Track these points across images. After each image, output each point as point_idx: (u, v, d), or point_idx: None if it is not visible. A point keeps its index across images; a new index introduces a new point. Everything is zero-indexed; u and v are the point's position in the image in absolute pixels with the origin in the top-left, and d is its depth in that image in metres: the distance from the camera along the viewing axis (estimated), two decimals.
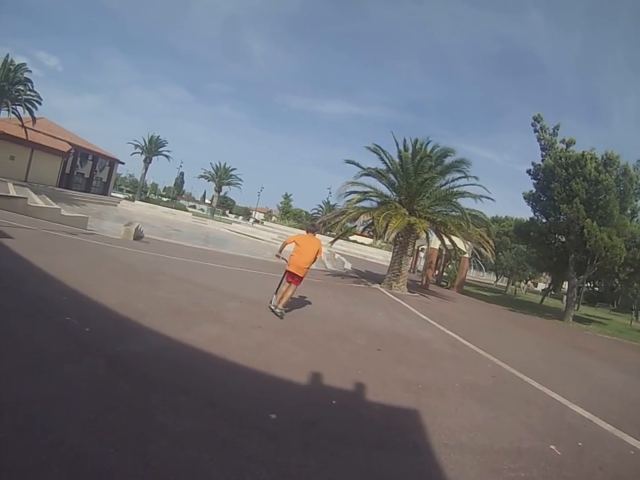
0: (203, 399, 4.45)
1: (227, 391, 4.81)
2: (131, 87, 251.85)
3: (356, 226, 21.44)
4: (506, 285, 55.17)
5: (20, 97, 35.87)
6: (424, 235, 19.94)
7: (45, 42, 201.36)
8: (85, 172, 58.48)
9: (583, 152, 22.24)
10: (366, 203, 20.85)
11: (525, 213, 63.82)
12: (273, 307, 9.24)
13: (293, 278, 9.38)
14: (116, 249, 14.20)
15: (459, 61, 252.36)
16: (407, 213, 18.87)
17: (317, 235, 9.97)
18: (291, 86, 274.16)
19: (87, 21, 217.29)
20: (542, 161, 24.58)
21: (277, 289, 9.44)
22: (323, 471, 3.53)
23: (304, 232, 10.22)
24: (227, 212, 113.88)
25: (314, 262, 9.67)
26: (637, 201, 23.22)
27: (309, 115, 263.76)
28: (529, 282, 61.76)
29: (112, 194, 67.81)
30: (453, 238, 21.17)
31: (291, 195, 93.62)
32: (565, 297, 31.13)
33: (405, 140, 20.90)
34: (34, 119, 38.09)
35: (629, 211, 23.13)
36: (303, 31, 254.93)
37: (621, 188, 22.35)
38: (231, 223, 63.34)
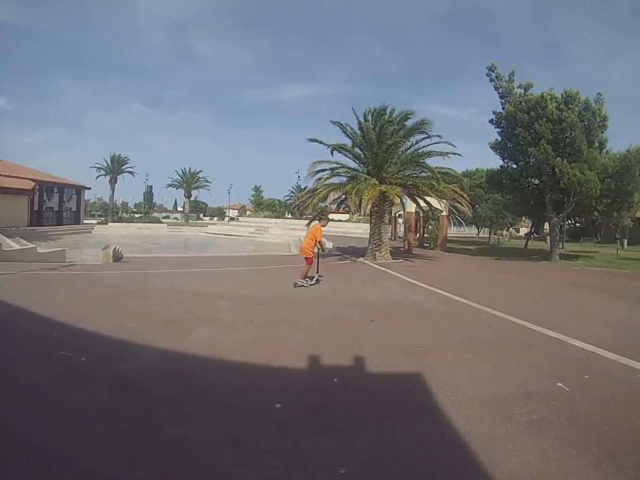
0: (207, 403, 4.43)
1: (231, 389, 4.80)
2: (88, 112, 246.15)
3: (326, 206, 21.25)
4: (488, 235, 55.94)
5: None
6: (398, 201, 19.82)
7: None
8: (53, 205, 57.61)
9: (542, 93, 22.53)
10: (335, 180, 20.79)
11: (495, 162, 64.15)
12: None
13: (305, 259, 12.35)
14: (98, 274, 14.04)
15: (409, 26, 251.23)
16: (377, 183, 18.86)
17: (320, 222, 13.16)
18: (247, 79, 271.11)
19: (30, 53, 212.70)
20: (502, 108, 24.77)
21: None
22: (340, 449, 3.51)
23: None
24: (201, 215, 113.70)
25: (313, 244, 12.34)
26: (602, 133, 23.38)
27: (271, 105, 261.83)
28: (511, 229, 62.44)
29: (84, 221, 66.80)
30: (427, 198, 21.29)
31: (260, 186, 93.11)
32: (548, 238, 31.44)
33: (364, 111, 20.87)
34: None
35: (596, 144, 23.30)
36: (250, 22, 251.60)
37: (585, 123, 22.51)
38: (207, 226, 63.34)
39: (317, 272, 12.45)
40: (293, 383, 5.03)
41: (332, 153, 20.54)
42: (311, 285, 11.79)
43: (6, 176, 45.96)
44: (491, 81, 24.99)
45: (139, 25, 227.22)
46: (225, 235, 48.78)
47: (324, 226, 12.83)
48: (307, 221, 23.18)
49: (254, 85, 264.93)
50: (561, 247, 29.28)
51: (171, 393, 4.66)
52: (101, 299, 9.82)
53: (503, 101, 24.82)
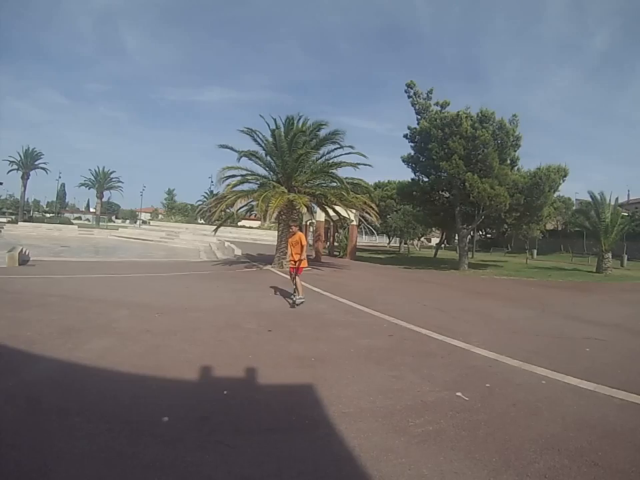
0: (96, 415, 4.29)
1: (119, 402, 4.66)
2: (4, 97, 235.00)
3: (234, 213, 20.96)
4: (399, 245, 57.68)
5: None
6: (305, 210, 19.79)
7: None
8: None
9: (458, 111, 23.49)
10: (245, 186, 20.64)
11: (406, 175, 66.01)
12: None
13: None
14: (1, 279, 13.26)
15: (337, 39, 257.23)
16: (285, 191, 18.79)
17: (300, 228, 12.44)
18: (168, 78, 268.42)
19: None
20: (417, 124, 25.57)
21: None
22: (220, 464, 3.45)
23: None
24: (113, 218, 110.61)
25: (300, 251, 11.03)
26: (515, 151, 24.51)
27: (190, 106, 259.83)
28: (422, 239, 64.16)
29: None
30: (337, 208, 21.42)
31: (174, 190, 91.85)
32: (458, 248, 32.46)
33: (275, 120, 20.70)
34: None
35: (508, 161, 24.46)
36: (178, 20, 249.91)
37: (499, 141, 23.54)
38: (118, 229, 61.74)
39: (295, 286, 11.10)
40: (183, 396, 4.93)
41: (239, 159, 20.32)
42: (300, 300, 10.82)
43: None
44: (409, 97, 25.92)
45: (64, 10, 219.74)
46: (136, 239, 48.06)
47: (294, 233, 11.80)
48: (215, 227, 22.94)
49: (175, 84, 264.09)
50: (470, 256, 30.56)
51: (60, 405, 4.51)
52: (2, 305, 9.43)
53: (419, 117, 25.71)
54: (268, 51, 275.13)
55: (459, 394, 4.85)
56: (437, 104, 25.22)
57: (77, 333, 7.32)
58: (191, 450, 3.67)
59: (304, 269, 11.35)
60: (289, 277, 15.84)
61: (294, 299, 10.60)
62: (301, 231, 12.02)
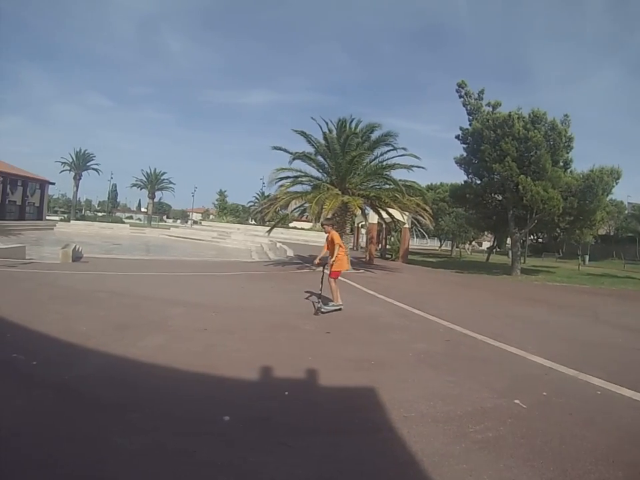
0: (154, 412, 4.30)
1: (178, 400, 4.66)
2: (52, 102, 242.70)
3: (287, 214, 21.42)
4: (450, 248, 56.87)
5: None
6: (359, 212, 19.85)
7: None
8: (16, 199, 56.30)
9: (510, 112, 23.00)
10: (298, 188, 20.77)
11: (459, 177, 65.10)
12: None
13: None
14: (56, 274, 13.64)
15: (378, 40, 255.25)
16: (339, 193, 18.83)
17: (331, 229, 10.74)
18: (212, 81, 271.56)
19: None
20: (470, 125, 25.16)
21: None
22: (282, 465, 3.41)
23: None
24: (164, 217, 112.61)
25: (334, 252, 10.14)
26: (568, 153, 23.92)
27: (235, 108, 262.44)
28: (473, 242, 63.24)
29: (47, 217, 65.84)
30: (390, 210, 21.35)
31: (225, 191, 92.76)
32: (510, 252, 31.92)
33: (327, 122, 20.89)
34: None
35: (561, 164, 23.87)
36: (219, 24, 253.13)
37: (551, 142, 23.00)
38: (169, 228, 62.72)
39: (320, 296, 10.23)
40: (243, 395, 4.91)
41: (292, 161, 20.45)
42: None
43: None
44: (460, 97, 25.50)
45: (109, 17, 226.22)
46: (187, 238, 48.53)
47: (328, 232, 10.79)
48: (269, 228, 23.14)
49: (219, 87, 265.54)
50: (522, 261, 29.81)
51: (116, 401, 4.53)
52: (57, 300, 9.56)
53: (471, 117, 25.25)
54: (309, 53, 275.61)
55: (517, 401, 4.83)
56: (488, 104, 24.83)
57: (132, 330, 7.45)
58: (253, 450, 3.64)
59: (340, 272, 10.44)
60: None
61: (318, 305, 9.81)
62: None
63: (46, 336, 6.76)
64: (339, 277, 10.54)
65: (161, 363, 5.77)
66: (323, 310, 9.69)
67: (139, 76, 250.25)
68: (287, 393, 4.92)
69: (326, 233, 10.76)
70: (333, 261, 10.10)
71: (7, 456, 3.33)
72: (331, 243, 10.40)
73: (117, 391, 4.82)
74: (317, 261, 10.63)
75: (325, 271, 10.27)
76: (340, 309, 9.90)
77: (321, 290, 10.14)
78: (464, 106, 25.47)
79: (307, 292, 12.80)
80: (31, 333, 6.91)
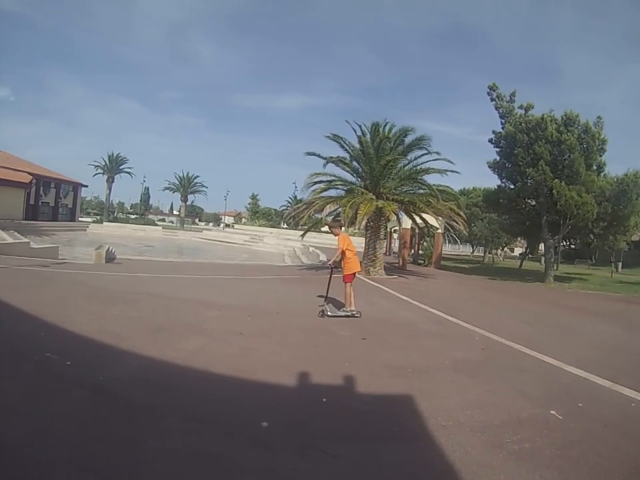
0: (191, 416, 4.31)
1: (215, 404, 4.68)
2: (84, 107, 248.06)
3: (321, 218, 21.31)
4: (483, 254, 56.14)
5: None
6: (393, 217, 19.78)
7: None
8: (49, 200, 57.94)
9: (543, 115, 22.70)
10: (332, 192, 20.87)
11: (492, 182, 64.42)
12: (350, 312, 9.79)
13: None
14: (89, 275, 13.95)
15: (405, 40, 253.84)
16: (373, 198, 18.83)
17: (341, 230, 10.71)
18: (243, 85, 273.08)
19: (31, 46, 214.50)
20: (502, 128, 24.91)
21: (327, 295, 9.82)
22: (320, 472, 3.43)
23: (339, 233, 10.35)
24: (197, 220, 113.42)
25: (339, 254, 10.00)
26: (601, 156, 23.48)
27: (266, 112, 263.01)
28: (505, 248, 62.48)
29: (79, 219, 67.45)
30: (424, 215, 21.23)
31: (258, 195, 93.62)
32: (542, 259, 31.51)
33: (361, 126, 20.79)
34: None
35: (594, 167, 23.41)
36: (247, 28, 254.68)
37: (584, 146, 22.63)
38: (201, 231, 63.17)
39: (326, 299, 9.86)
40: (280, 400, 4.91)
41: (325, 165, 20.55)
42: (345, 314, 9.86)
43: (4, 167, 46.08)
44: (492, 100, 25.23)
45: (138, 24, 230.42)
46: (219, 241, 48.75)
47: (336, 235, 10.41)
48: (302, 232, 23.25)
49: (250, 91, 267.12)
50: (555, 268, 29.26)
51: (152, 404, 4.57)
52: (90, 300, 9.70)
53: (503, 120, 24.98)
54: (338, 56, 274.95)
55: (552, 412, 4.82)
56: (520, 107, 24.46)
57: (167, 332, 7.50)
58: (291, 456, 3.64)
59: (352, 275, 10.05)
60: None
61: (323, 308, 9.64)
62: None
63: (80, 336, 6.86)
64: (352, 281, 10.09)
65: (197, 366, 5.81)
66: (329, 314, 9.58)
67: (170, 81, 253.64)
68: (324, 399, 4.92)
69: (334, 235, 10.41)
70: (341, 265, 10.08)
71: (42, 457, 3.35)
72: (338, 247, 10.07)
73: (153, 393, 4.87)
74: (329, 263, 10.17)
75: (334, 275, 9.78)
76: (352, 316, 9.66)
77: (327, 292, 9.78)
78: (496, 109, 25.22)
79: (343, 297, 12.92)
80: (65, 333, 7.00)
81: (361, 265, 19.99)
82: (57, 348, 6.09)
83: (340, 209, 19.43)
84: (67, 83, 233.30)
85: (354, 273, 10.12)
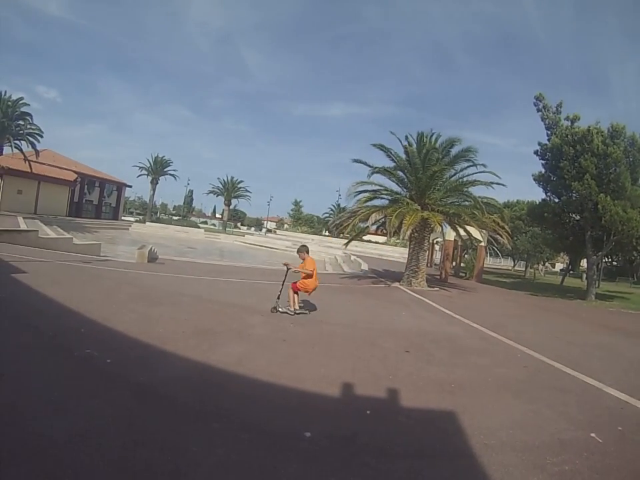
0: (235, 423, 4.32)
1: (259, 411, 4.70)
2: (132, 112, 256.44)
3: (368, 226, 21.14)
4: (524, 269, 54.90)
5: (21, 132, 36.47)
6: (439, 229, 19.63)
7: (42, 76, 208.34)
8: (93, 199, 59.83)
9: (589, 127, 22.03)
10: (377, 202, 20.79)
11: (536, 195, 63.36)
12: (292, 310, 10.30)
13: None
14: (131, 274, 14.23)
15: (453, 50, 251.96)
16: (419, 208, 18.75)
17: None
18: (291, 94, 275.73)
19: (82, 52, 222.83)
20: (548, 140, 24.39)
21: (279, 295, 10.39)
22: None
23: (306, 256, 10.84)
24: (239, 224, 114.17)
25: (303, 273, 10.57)
26: None
27: (313, 121, 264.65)
28: (547, 263, 61.30)
29: (122, 218, 68.83)
30: (468, 228, 20.90)
31: (301, 202, 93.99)
32: (584, 275, 30.82)
33: (407, 136, 20.68)
34: (37, 152, 38.59)
35: None
36: (295, 38, 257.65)
37: (630, 159, 22.10)
38: (243, 235, 63.56)
39: (279, 297, 10.49)
40: (325, 412, 4.94)
41: (370, 174, 20.39)
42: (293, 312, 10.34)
43: (50, 165, 47.72)
44: (538, 110, 24.79)
45: (188, 33, 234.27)
46: (261, 246, 48.86)
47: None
48: (345, 241, 23.31)
49: (298, 100, 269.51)
50: (597, 285, 28.56)
51: (196, 408, 4.61)
52: (133, 299, 9.92)
53: (549, 132, 24.50)
54: (386, 66, 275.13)
55: (593, 435, 4.79)
56: (567, 118, 23.85)
57: (211, 336, 7.55)
58: (336, 470, 3.62)
59: (299, 289, 10.43)
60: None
61: (276, 304, 10.31)
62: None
63: (121, 334, 6.98)
64: (298, 293, 10.46)
65: (242, 372, 5.84)
66: (280, 310, 10.25)
67: (219, 89, 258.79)
68: (368, 412, 4.93)
69: (301, 259, 10.84)
70: (295, 271, 10.57)
71: (80, 457, 3.37)
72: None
73: (197, 397, 4.87)
74: (287, 265, 10.74)
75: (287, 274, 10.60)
76: (292, 315, 10.12)
77: (280, 291, 10.38)
78: (542, 120, 24.75)
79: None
80: (106, 330, 7.11)
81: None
82: (98, 345, 6.23)
83: (384, 218, 19.36)
84: (118, 89, 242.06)
85: (304, 290, 10.54)
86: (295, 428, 4.35)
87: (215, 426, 4.20)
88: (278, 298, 10.30)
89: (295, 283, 10.42)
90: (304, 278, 10.47)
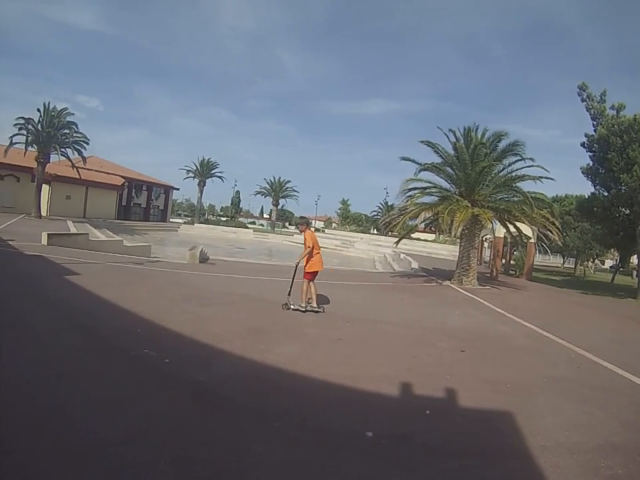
0: (295, 423, 4.35)
1: (318, 411, 4.74)
2: (172, 116, 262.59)
3: (417, 224, 20.81)
4: (573, 266, 53.08)
5: (67, 140, 37.57)
6: (490, 225, 19.33)
7: (82, 86, 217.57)
8: (141, 202, 62.01)
9: (635, 115, 20.84)
10: (426, 199, 20.42)
11: (585, 188, 61.54)
12: (308, 307, 10.03)
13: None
14: (184, 274, 14.42)
15: (488, 41, 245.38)
16: (469, 205, 18.40)
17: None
18: (329, 92, 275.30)
19: (118, 61, 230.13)
20: (594, 131, 23.36)
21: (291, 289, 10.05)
22: None
23: (308, 230, 10.43)
24: (287, 224, 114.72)
25: (307, 253, 10.12)
26: None
27: (354, 118, 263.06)
28: (596, 260, 59.55)
29: (170, 220, 70.55)
30: (517, 224, 20.51)
31: (348, 200, 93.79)
32: (634, 273, 29.70)
33: (454, 131, 20.26)
34: (84, 159, 39.78)
35: None
36: (328, 37, 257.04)
37: None
38: (292, 235, 63.58)
39: (289, 293, 10.12)
40: (384, 411, 4.95)
41: (418, 171, 20.17)
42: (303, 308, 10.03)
43: (97, 171, 49.72)
44: (582, 100, 23.79)
45: (221, 37, 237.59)
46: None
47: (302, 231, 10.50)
48: (394, 239, 23.14)
49: (338, 98, 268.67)
50: None
51: (255, 408, 4.62)
52: (185, 299, 10.01)
53: (595, 122, 23.46)
54: (420, 60, 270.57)
55: None
56: (612, 107, 22.60)
57: (266, 335, 7.60)
58: (396, 469, 3.65)
59: (310, 273, 10.17)
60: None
61: (288, 301, 9.98)
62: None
63: (177, 334, 7.07)
64: (313, 281, 10.24)
65: (299, 371, 5.88)
66: (292, 307, 9.92)
67: (257, 90, 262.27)
68: (427, 411, 4.96)
69: (300, 232, 10.52)
70: (299, 261, 10.08)
71: (139, 456, 3.43)
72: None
73: (256, 397, 4.89)
74: (296, 262, 10.24)
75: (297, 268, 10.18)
76: (307, 311, 9.87)
77: (290, 287, 10.03)
78: (587, 110, 23.66)
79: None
80: (162, 330, 7.22)
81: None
82: (154, 345, 6.33)
83: (434, 216, 19.14)
84: (155, 95, 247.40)
85: (315, 272, 10.27)
86: (354, 427, 4.38)
87: (275, 425, 4.25)
88: (289, 294, 10.03)
89: (305, 272, 10.17)
90: (307, 260, 10.09)
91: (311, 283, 10.14)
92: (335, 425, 4.42)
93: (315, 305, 10.05)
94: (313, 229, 10.86)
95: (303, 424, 4.36)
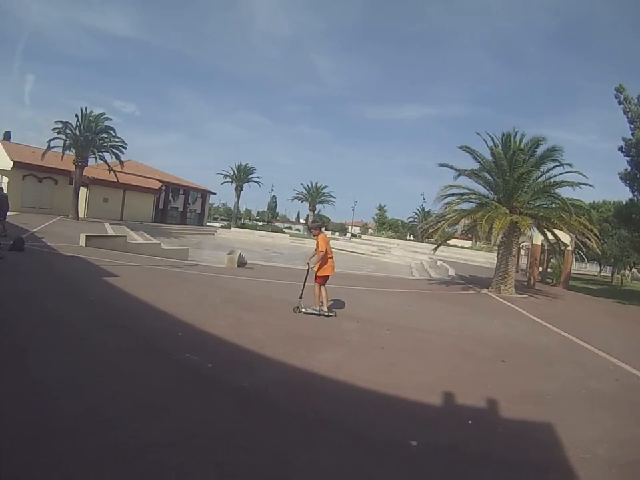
0: (339, 430, 4.36)
1: (362, 419, 4.72)
2: (209, 121, 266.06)
3: (456, 230, 20.65)
4: (610, 274, 51.50)
5: (105, 144, 38.36)
6: (528, 233, 19.11)
7: (118, 92, 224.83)
8: (178, 205, 62.42)
9: None
10: (464, 205, 20.18)
11: (623, 194, 60.13)
12: (322, 312, 9.94)
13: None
14: (222, 278, 14.61)
15: (521, 44, 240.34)
16: (507, 212, 18.18)
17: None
18: (365, 97, 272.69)
19: (153, 67, 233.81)
20: (632, 134, 22.71)
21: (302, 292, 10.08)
22: None
23: (321, 233, 10.38)
24: (323, 229, 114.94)
25: (321, 256, 10.02)
26: None
27: (385, 123, 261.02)
28: (633, 269, 58.09)
29: (207, 224, 70.84)
30: (556, 231, 20.19)
31: (385, 206, 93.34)
32: None
33: (493, 137, 19.91)
34: (121, 163, 40.49)
35: None
36: (362, 41, 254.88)
37: None
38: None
39: (301, 296, 10.15)
40: (427, 420, 4.97)
41: (457, 177, 19.95)
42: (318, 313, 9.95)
43: (135, 175, 50.79)
44: (620, 103, 23.14)
45: (255, 42, 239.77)
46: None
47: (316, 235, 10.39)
48: (432, 245, 22.96)
49: (373, 103, 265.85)
50: None
51: (298, 414, 4.63)
52: (225, 303, 10.10)
53: (632, 126, 22.78)
54: (454, 65, 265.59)
55: None
56: None
57: (308, 341, 7.68)
58: (440, 479, 3.70)
59: (321, 277, 10.07)
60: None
61: (299, 304, 9.92)
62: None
63: (219, 339, 7.09)
64: (324, 285, 10.10)
65: (342, 379, 5.87)
66: (303, 310, 9.85)
67: (292, 94, 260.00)
68: (470, 421, 4.95)
69: (314, 236, 10.46)
70: (313, 266, 10.05)
71: (182, 461, 3.44)
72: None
73: (300, 403, 4.90)
74: (307, 261, 10.37)
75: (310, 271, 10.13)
76: (320, 315, 9.80)
77: (302, 291, 10.05)
78: (624, 113, 22.94)
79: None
80: (203, 334, 7.24)
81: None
82: (196, 349, 6.36)
83: (472, 223, 18.90)
84: (191, 99, 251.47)
85: (327, 276, 10.18)
86: (399, 436, 4.38)
87: (320, 432, 4.28)
88: (300, 297, 10.00)
89: (317, 276, 10.07)
90: (320, 265, 9.96)
91: (322, 287, 10.06)
92: (379, 433, 4.42)
93: (325, 309, 9.96)
94: (325, 232, 10.91)
95: (347, 431, 4.39)
